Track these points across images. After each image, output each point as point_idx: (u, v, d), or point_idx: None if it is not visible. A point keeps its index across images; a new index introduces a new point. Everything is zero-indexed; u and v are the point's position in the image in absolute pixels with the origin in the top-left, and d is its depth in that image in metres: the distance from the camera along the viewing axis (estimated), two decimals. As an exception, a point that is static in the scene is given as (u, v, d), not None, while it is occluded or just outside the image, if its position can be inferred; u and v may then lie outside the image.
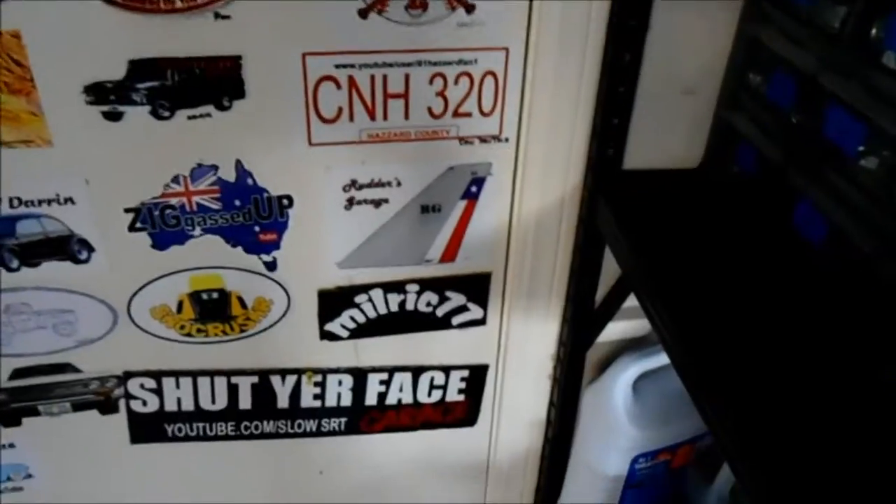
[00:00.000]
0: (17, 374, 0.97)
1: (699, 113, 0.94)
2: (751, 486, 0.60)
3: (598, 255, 1.00)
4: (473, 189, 0.95)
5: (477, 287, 1.04)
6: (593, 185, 0.94)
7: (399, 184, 0.93)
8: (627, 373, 1.02)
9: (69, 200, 0.85)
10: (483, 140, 0.92)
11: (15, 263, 0.88)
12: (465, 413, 1.18)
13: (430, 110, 0.88)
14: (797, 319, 0.74)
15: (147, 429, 1.07)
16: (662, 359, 1.04)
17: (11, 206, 0.84)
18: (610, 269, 1.03)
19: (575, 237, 1.00)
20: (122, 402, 1.04)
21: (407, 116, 0.87)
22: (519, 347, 1.11)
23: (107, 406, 1.03)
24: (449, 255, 1.00)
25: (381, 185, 0.92)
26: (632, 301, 1.08)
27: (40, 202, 0.84)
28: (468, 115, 0.89)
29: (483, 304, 1.06)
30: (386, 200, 0.93)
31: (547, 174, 0.94)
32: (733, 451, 0.63)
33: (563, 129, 0.91)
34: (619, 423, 1.02)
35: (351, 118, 0.86)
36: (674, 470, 1.08)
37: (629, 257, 0.84)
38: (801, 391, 0.66)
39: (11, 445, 1.04)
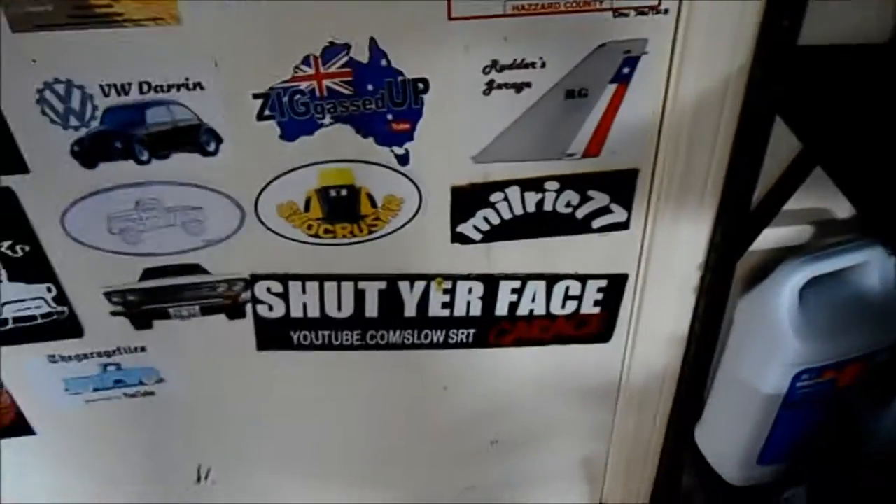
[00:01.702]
0: (148, 274, 0.95)
1: (895, -26, 0.81)
2: None
3: (763, 145, 0.89)
4: (625, 70, 0.85)
5: (622, 185, 0.95)
6: (765, 64, 0.83)
7: (543, 65, 0.83)
8: (794, 278, 0.91)
9: (198, 85, 0.80)
10: (640, 12, 0.81)
11: (145, 155, 0.85)
12: (599, 327, 1.10)
13: (582, -24, 0.78)
14: None
15: (273, 336, 1.05)
16: (832, 264, 0.93)
17: (141, 91, 0.80)
18: (765, 171, 0.92)
19: (737, 126, 0.89)
20: (248, 307, 1.01)
21: (557, -16, 0.78)
22: (663, 255, 1.01)
23: (234, 310, 1.01)
24: (593, 148, 0.91)
25: (524, 66, 0.83)
26: (790, 205, 0.98)
27: (169, 87, 0.80)
28: (624, -19, 0.79)
29: (627, 205, 0.97)
30: (528, 84, 0.85)
31: (710, 51, 0.83)
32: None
33: (730, -3, 0.80)
34: (783, 334, 0.92)
35: (495, -13, 0.77)
36: (839, 390, 0.98)
37: (815, 127, 0.73)
38: None
39: (143, 349, 1.03)
